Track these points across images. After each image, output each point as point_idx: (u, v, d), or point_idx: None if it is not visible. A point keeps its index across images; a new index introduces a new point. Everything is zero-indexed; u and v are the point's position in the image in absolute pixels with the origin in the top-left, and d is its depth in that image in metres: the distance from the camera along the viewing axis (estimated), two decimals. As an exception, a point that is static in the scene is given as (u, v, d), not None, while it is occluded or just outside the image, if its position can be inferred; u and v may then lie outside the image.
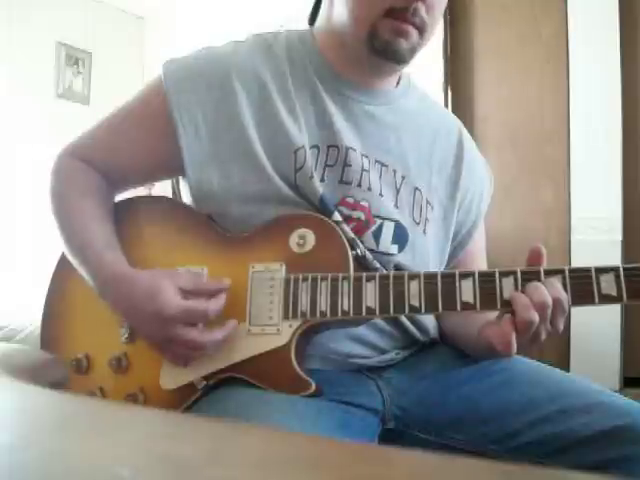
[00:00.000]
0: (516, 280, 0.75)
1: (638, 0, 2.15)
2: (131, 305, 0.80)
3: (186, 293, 0.79)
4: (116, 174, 0.94)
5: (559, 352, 2.12)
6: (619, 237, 2.11)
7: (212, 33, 2.33)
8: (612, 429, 0.76)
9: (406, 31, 0.83)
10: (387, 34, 0.83)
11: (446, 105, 2.38)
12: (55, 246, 0.91)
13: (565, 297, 0.73)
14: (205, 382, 0.80)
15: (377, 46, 0.85)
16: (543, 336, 0.75)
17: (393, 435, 0.86)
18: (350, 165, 0.87)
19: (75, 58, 3.36)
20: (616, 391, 0.92)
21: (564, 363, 2.09)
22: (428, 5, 0.83)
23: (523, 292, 0.73)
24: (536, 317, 0.72)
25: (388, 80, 0.95)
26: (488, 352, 0.83)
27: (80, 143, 0.96)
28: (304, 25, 0.98)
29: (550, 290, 0.73)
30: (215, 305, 0.79)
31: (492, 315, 0.79)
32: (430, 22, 0.85)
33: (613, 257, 2.04)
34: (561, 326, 0.75)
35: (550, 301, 0.72)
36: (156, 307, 0.76)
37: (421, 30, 0.85)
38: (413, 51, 0.86)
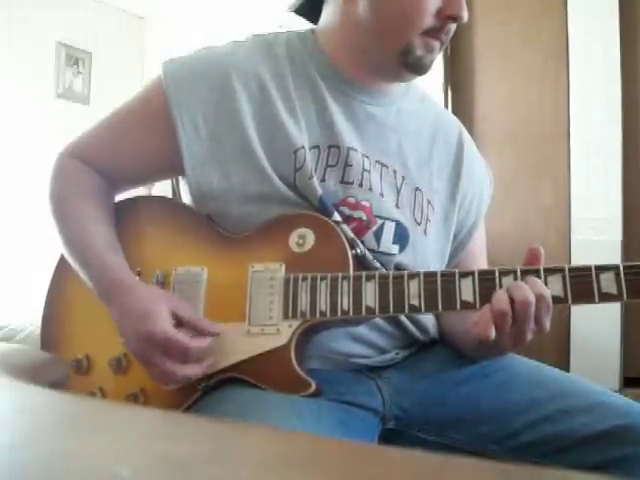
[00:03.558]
0: (516, 279, 0.75)
1: (638, 0, 2.15)
2: (124, 317, 0.80)
3: (179, 321, 0.78)
4: (116, 174, 0.94)
5: (559, 352, 2.12)
6: (619, 237, 2.11)
7: (212, 33, 2.33)
8: (612, 429, 0.76)
9: (436, 48, 0.87)
10: (420, 50, 0.86)
11: (446, 105, 2.38)
12: (55, 246, 0.91)
13: (548, 293, 0.73)
14: (205, 382, 0.80)
15: (410, 61, 0.86)
16: (529, 335, 0.74)
17: (393, 435, 0.86)
18: (351, 165, 0.87)
19: (75, 58, 3.36)
20: (616, 391, 0.93)
21: (564, 363, 2.09)
22: (461, 22, 0.86)
23: (507, 291, 0.74)
24: (508, 307, 0.72)
25: (394, 83, 0.95)
26: (479, 349, 0.83)
27: (80, 143, 0.96)
28: (304, 25, 0.98)
29: (533, 287, 0.73)
30: (199, 344, 0.78)
31: None
32: (449, 37, 0.89)
33: (613, 257, 2.04)
34: (547, 324, 0.74)
35: (533, 298, 0.72)
36: (145, 328, 0.76)
37: (443, 45, 0.88)
38: (433, 63, 0.89)
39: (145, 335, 0.76)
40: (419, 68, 0.88)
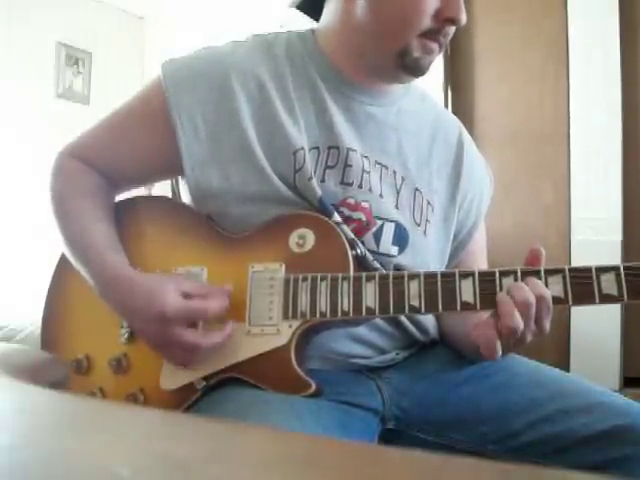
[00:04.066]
0: (516, 280, 0.75)
1: (638, 1, 2.15)
2: (132, 307, 0.80)
3: (187, 295, 0.79)
4: (116, 174, 0.94)
5: (559, 352, 2.12)
6: (619, 237, 2.11)
7: (212, 33, 2.33)
8: (612, 429, 0.76)
9: (434, 50, 0.86)
10: (418, 52, 0.85)
11: (446, 105, 2.38)
12: (55, 246, 0.91)
13: (549, 295, 0.73)
14: (205, 382, 0.80)
15: (407, 63, 0.86)
16: (528, 337, 0.74)
17: (393, 435, 0.86)
18: (351, 166, 0.87)
19: (75, 58, 3.36)
20: (616, 391, 0.92)
21: (564, 363, 2.09)
22: (459, 25, 0.85)
23: (508, 292, 0.73)
24: (520, 324, 0.72)
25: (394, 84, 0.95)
26: (479, 351, 0.83)
27: (80, 143, 0.96)
28: (305, 25, 0.98)
29: (533, 288, 0.72)
30: (215, 303, 0.79)
31: (486, 315, 0.78)
32: (449, 39, 0.88)
33: (613, 257, 2.04)
34: (546, 326, 0.74)
35: (533, 299, 0.72)
36: (157, 308, 0.76)
37: (441, 47, 0.87)
38: (431, 64, 0.89)
39: (158, 315, 0.76)
40: (416, 70, 0.88)
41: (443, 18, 0.83)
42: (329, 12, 0.92)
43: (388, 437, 0.85)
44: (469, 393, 0.86)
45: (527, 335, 0.74)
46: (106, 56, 3.47)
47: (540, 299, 0.72)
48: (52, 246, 0.92)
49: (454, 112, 1.74)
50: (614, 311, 2.04)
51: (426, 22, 0.83)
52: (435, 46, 0.86)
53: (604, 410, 0.78)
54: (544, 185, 2.27)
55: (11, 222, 2.90)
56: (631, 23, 2.13)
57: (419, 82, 0.98)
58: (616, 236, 2.11)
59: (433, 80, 2.29)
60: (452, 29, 0.86)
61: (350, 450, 0.28)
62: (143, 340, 0.83)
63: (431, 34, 0.84)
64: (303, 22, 1.01)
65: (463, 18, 0.84)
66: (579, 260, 2.11)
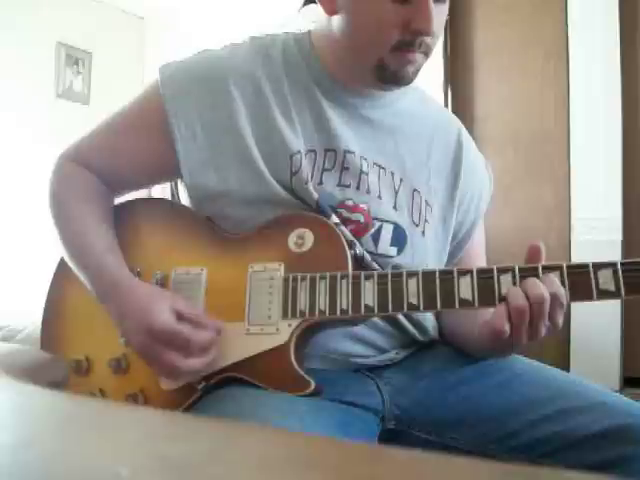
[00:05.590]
0: (514, 277, 0.75)
1: (638, 1, 2.15)
2: (124, 314, 0.80)
3: (181, 316, 0.78)
4: (116, 177, 0.94)
5: (559, 352, 2.12)
6: (619, 237, 2.11)
7: (212, 33, 2.33)
8: (612, 429, 0.76)
9: (415, 59, 0.84)
10: (394, 65, 0.84)
11: (446, 105, 2.38)
12: (55, 247, 0.91)
13: (563, 292, 0.73)
14: (205, 382, 0.80)
15: (385, 75, 0.85)
16: (543, 331, 0.75)
17: (393, 435, 0.86)
18: (348, 168, 0.87)
19: (75, 58, 3.36)
20: (616, 391, 0.92)
21: (564, 363, 2.09)
22: (433, 35, 0.83)
23: (522, 287, 0.74)
24: (526, 305, 0.72)
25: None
26: (487, 348, 0.83)
27: (80, 146, 0.95)
28: (304, 25, 0.98)
29: (548, 285, 0.73)
30: (200, 336, 0.77)
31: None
32: (433, 44, 0.86)
33: (613, 257, 2.03)
34: (560, 321, 0.75)
35: (547, 295, 0.72)
36: (146, 321, 0.76)
37: (426, 54, 0.86)
38: (418, 71, 0.87)
39: (146, 329, 0.76)
40: (398, 81, 0.86)
41: (412, 30, 0.81)
42: (320, 20, 0.92)
43: (388, 437, 0.85)
44: (469, 393, 0.86)
45: (542, 329, 0.75)
46: (106, 56, 3.47)
47: (554, 296, 0.73)
48: (52, 246, 0.92)
49: (454, 112, 1.74)
50: (614, 311, 2.04)
51: (394, 36, 0.81)
52: (414, 56, 0.84)
53: (604, 410, 0.78)
54: (544, 185, 2.27)
55: (11, 222, 2.90)
56: (631, 23, 2.14)
57: (419, 82, 0.98)
58: (616, 236, 2.11)
59: (433, 80, 2.29)
60: (428, 39, 0.83)
61: (350, 450, 0.28)
62: (132, 348, 0.82)
63: (405, 46, 0.82)
64: (303, 22, 1.00)
65: (431, 30, 0.81)
66: (579, 260, 2.11)
